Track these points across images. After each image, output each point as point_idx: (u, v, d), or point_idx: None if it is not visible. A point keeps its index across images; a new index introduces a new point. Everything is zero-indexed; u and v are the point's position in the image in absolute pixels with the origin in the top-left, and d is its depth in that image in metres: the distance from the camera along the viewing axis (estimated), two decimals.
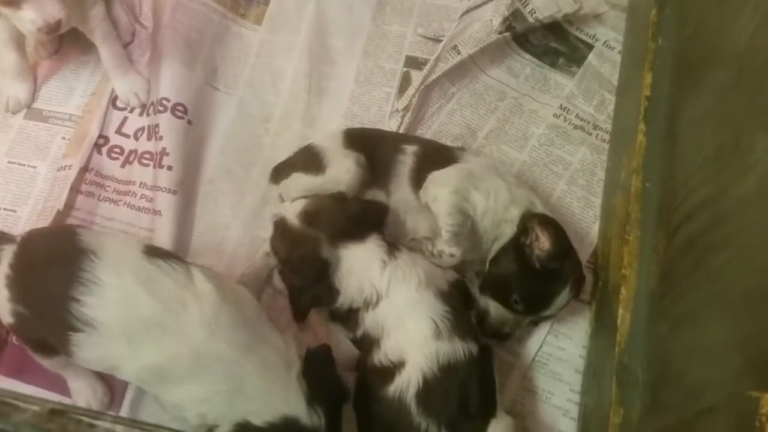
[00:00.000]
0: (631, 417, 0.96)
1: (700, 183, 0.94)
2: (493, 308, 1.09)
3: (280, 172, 1.22)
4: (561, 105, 1.40)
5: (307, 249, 1.05)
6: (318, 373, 0.94)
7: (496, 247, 1.12)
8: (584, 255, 1.25)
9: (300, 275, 1.06)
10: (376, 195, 1.16)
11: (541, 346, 1.18)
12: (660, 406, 0.89)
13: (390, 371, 1.00)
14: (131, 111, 1.34)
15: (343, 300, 1.06)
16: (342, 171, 1.13)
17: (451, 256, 1.09)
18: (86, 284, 0.89)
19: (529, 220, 1.08)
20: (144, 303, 0.89)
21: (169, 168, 1.25)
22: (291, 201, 1.13)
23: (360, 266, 1.05)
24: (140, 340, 0.89)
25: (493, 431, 0.97)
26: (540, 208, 1.13)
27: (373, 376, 1.02)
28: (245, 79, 1.41)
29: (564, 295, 1.09)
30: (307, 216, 1.08)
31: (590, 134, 1.37)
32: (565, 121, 1.38)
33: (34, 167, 1.28)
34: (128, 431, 0.61)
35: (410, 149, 1.17)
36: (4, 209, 1.24)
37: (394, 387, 0.98)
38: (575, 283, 1.10)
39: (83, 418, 0.44)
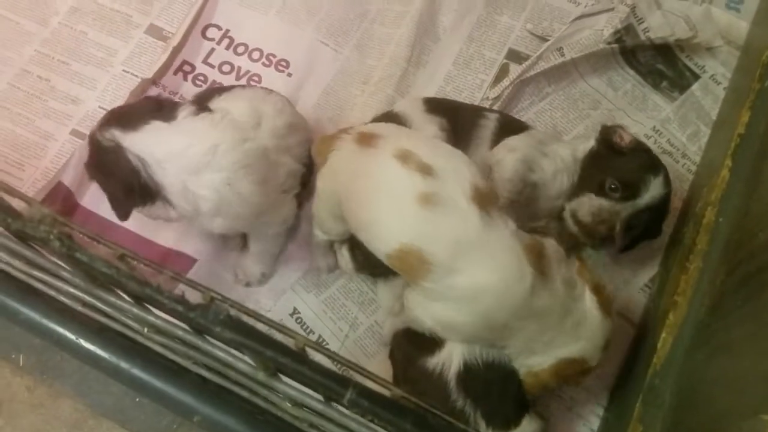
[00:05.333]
0: None
1: None
2: (587, 202, 1.11)
3: None
4: (654, 127, 1.39)
5: None
6: None
7: None
8: (643, 278, 1.26)
9: None
10: None
11: None
12: (680, 429, 0.90)
13: (432, 343, 1.00)
14: (218, 43, 1.43)
15: None
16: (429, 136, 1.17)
17: None
18: None
19: (611, 126, 1.14)
20: None
21: None
22: None
23: None
24: None
25: (527, 426, 0.99)
26: None
27: (415, 340, 1.02)
28: (355, 40, 1.46)
29: (659, 183, 1.11)
30: None
31: (677, 161, 1.36)
32: (654, 143, 1.37)
33: None
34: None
35: (492, 115, 1.21)
36: None
37: (436, 360, 0.99)
38: (667, 176, 1.13)
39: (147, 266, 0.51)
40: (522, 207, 1.13)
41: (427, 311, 0.97)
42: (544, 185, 1.14)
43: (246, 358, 0.64)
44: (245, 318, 0.53)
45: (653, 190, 1.10)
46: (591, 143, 1.16)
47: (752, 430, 0.64)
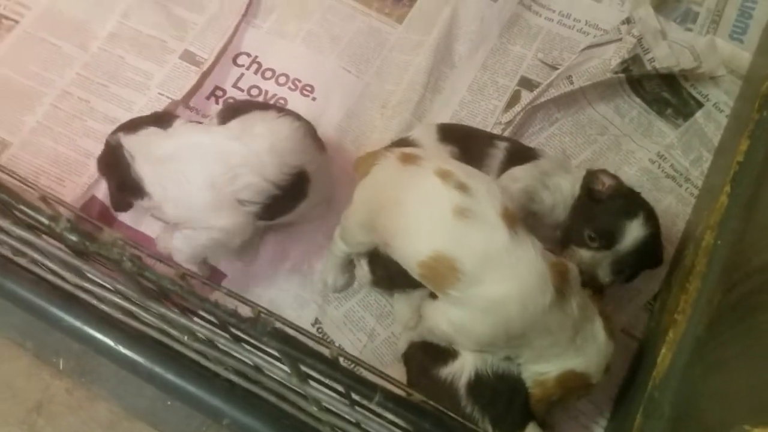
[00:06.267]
0: None
1: (762, 248, 1.00)
2: (572, 255, 1.14)
3: None
4: (659, 152, 1.46)
5: None
6: None
7: None
8: (647, 296, 1.32)
9: None
10: None
11: None
12: None
13: (444, 353, 1.08)
14: (247, 69, 1.52)
15: None
16: None
17: None
18: None
19: (594, 171, 1.17)
20: None
21: None
22: None
23: None
24: None
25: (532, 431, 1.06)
26: None
27: (430, 352, 1.10)
28: (376, 67, 1.55)
29: (636, 227, 1.12)
30: None
31: (680, 185, 1.43)
32: (659, 168, 1.44)
33: None
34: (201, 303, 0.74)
35: (502, 144, 1.26)
36: None
37: (448, 371, 1.06)
38: (648, 217, 1.14)
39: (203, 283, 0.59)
40: None
41: (447, 318, 1.04)
42: (542, 215, 1.20)
43: (278, 365, 0.72)
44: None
45: (632, 233, 1.12)
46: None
47: None
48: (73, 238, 0.55)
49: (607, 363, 1.05)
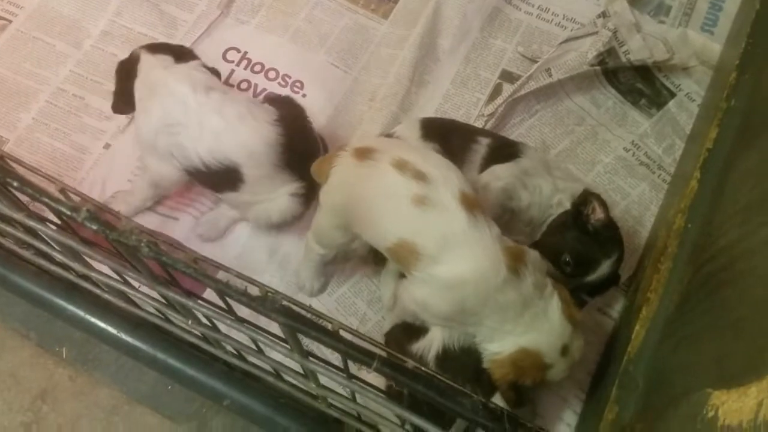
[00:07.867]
0: (623, 416, 1.09)
1: (728, 230, 1.07)
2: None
3: None
4: (633, 141, 1.53)
5: None
6: None
7: (545, 226, 1.26)
8: (622, 278, 1.39)
9: None
10: None
11: None
12: (648, 409, 1.03)
13: (417, 331, 1.14)
14: (237, 65, 1.57)
15: None
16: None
17: None
18: None
19: (589, 195, 1.21)
20: None
21: None
22: None
23: None
24: None
25: (498, 401, 1.10)
26: None
27: (405, 330, 1.16)
28: (363, 62, 1.60)
29: (607, 266, 1.19)
30: None
31: (654, 172, 1.50)
32: (633, 156, 1.51)
33: None
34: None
35: (484, 140, 1.30)
36: None
37: (419, 345, 1.13)
38: (618, 259, 1.21)
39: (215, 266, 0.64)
40: (502, 224, 1.24)
41: (412, 296, 1.10)
42: (519, 212, 1.25)
43: (279, 343, 0.78)
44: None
45: (602, 270, 1.20)
46: (567, 196, 1.24)
47: (698, 400, 0.78)
48: (94, 227, 0.60)
49: (564, 344, 1.06)
